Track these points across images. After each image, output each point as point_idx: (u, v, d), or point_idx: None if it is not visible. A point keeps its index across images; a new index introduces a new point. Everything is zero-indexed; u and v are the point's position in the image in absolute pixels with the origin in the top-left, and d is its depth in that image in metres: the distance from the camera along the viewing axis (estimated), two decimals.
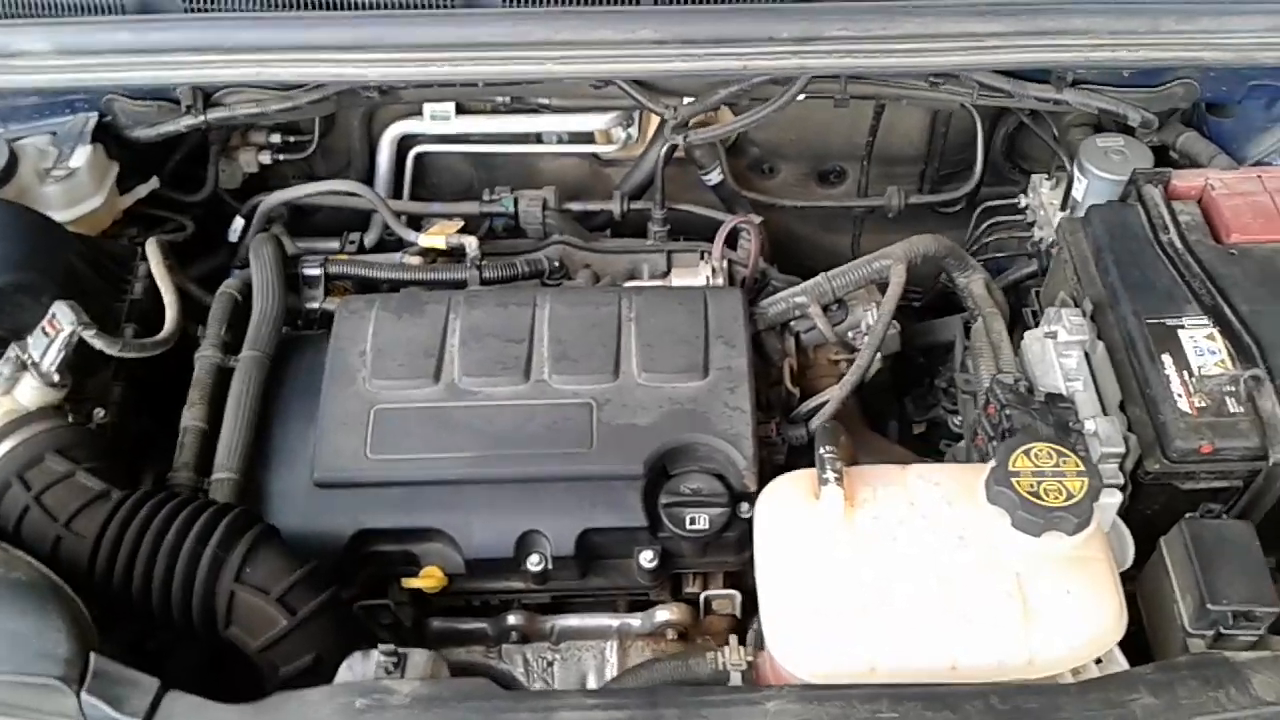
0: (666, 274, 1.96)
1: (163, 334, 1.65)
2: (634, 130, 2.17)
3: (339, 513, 1.57)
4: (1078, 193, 1.91)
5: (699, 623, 1.65)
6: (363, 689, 1.20)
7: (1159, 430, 1.45)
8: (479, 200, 2.11)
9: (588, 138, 2.18)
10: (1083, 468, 1.23)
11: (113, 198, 1.83)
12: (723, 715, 1.14)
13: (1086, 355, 1.59)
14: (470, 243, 1.91)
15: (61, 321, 1.47)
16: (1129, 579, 1.37)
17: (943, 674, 1.19)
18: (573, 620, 1.65)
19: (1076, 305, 1.65)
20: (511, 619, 1.62)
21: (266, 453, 1.65)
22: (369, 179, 2.20)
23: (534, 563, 1.56)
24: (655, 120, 2.14)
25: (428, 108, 2.10)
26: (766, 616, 1.24)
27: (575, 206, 2.11)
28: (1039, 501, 1.20)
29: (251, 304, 1.79)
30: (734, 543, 1.59)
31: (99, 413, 1.55)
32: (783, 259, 2.12)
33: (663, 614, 1.62)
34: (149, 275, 1.74)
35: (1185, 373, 1.48)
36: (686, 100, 1.92)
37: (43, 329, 1.47)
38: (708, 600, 1.62)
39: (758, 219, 1.96)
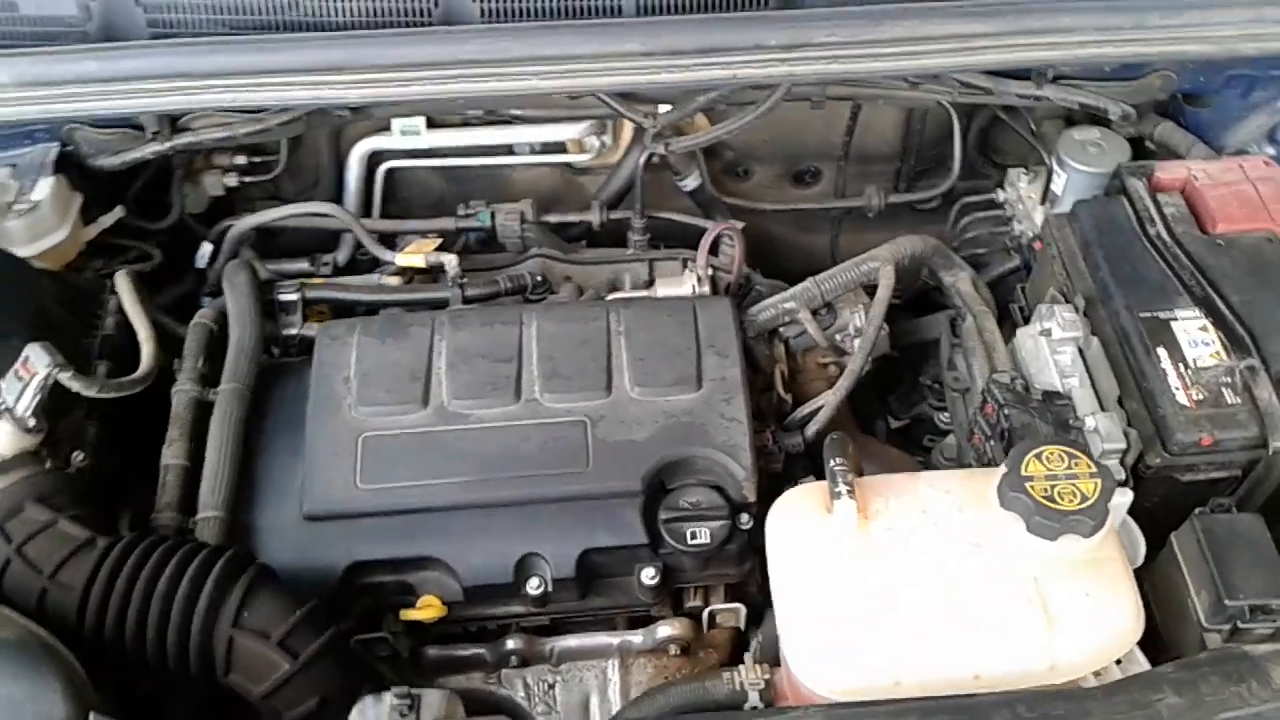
0: (649, 284, 1.93)
1: (140, 371, 1.59)
2: (607, 138, 2.14)
3: (331, 545, 1.53)
4: (1057, 186, 1.91)
5: (701, 636, 1.63)
6: None
7: (1158, 424, 1.45)
8: (454, 215, 2.07)
9: (560, 147, 2.15)
10: (1094, 469, 1.22)
11: (77, 230, 1.77)
12: None
13: (1080, 351, 1.58)
14: (450, 261, 1.87)
15: (36, 364, 1.41)
16: (1137, 575, 1.37)
17: (966, 684, 1.17)
18: (572, 641, 1.63)
19: (1067, 301, 1.65)
20: (510, 643, 1.59)
21: (252, 487, 1.59)
22: (337, 197, 2.15)
23: (534, 586, 1.52)
24: (627, 127, 2.11)
25: (396, 123, 2.06)
26: (786, 635, 1.22)
27: (553, 218, 2.07)
28: (1054, 505, 1.19)
29: (227, 334, 1.74)
30: (735, 555, 1.57)
31: (77, 456, 1.49)
32: (760, 262, 2.09)
33: (664, 629, 1.60)
34: (119, 309, 1.68)
35: (1181, 365, 1.48)
36: (663, 108, 1.89)
37: (15, 373, 1.42)
38: (712, 614, 1.60)
39: (739, 225, 1.94)
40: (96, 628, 1.29)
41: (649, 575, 1.53)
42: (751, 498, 1.56)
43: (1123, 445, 1.46)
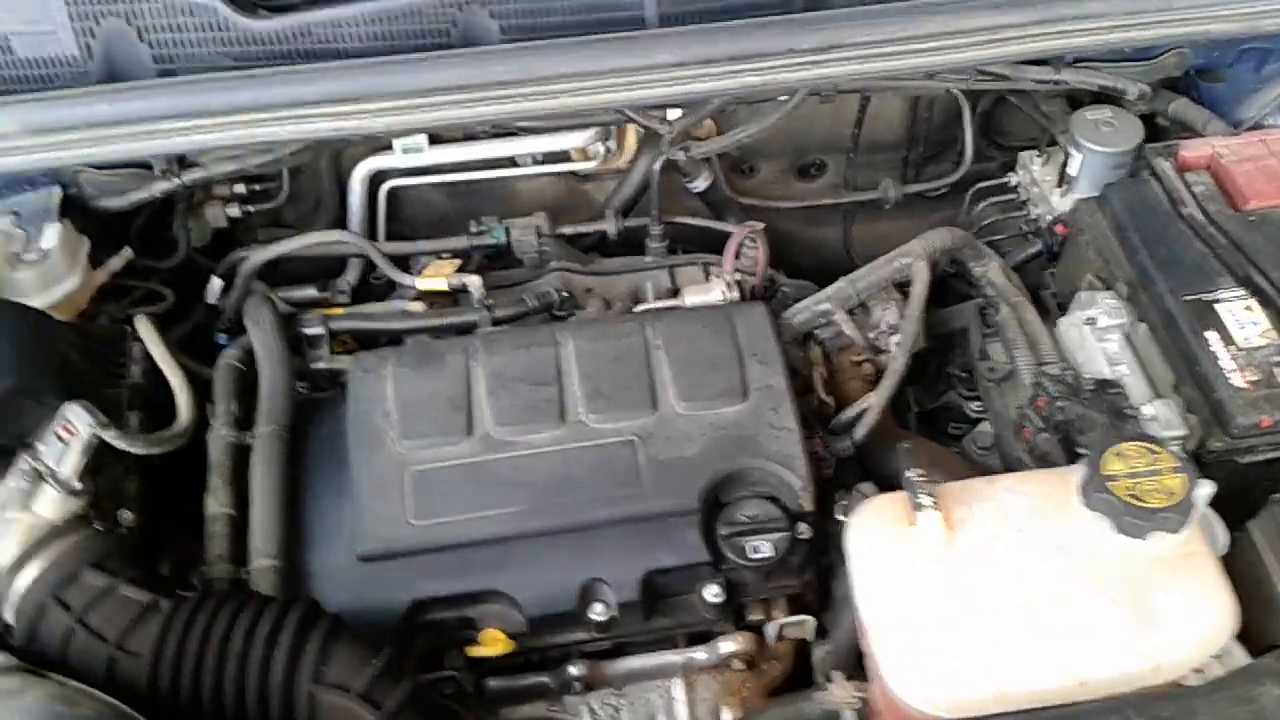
0: (673, 291, 1.91)
1: (181, 424, 1.54)
2: (612, 144, 2.11)
3: (389, 586, 1.50)
4: (1072, 168, 1.90)
5: (764, 649, 1.62)
6: None
7: (1215, 408, 1.46)
8: (463, 233, 2.03)
9: (564, 156, 2.11)
10: (1177, 463, 1.22)
11: (87, 275, 1.70)
12: None
13: (1127, 338, 1.59)
14: (474, 282, 1.83)
15: (77, 424, 1.36)
16: None
17: (1071, 692, 1.17)
18: (635, 662, 1.60)
19: (1106, 287, 1.65)
20: (573, 669, 1.56)
21: (300, 531, 1.56)
22: (340, 219, 2.10)
23: (598, 612, 1.50)
24: (632, 131, 2.08)
25: (398, 141, 2.01)
26: (884, 655, 1.21)
27: (568, 230, 2.04)
28: (1142, 504, 1.19)
29: (254, 372, 1.69)
30: (796, 566, 1.56)
31: (125, 515, 1.44)
32: (774, 259, 2.08)
33: (727, 644, 1.59)
34: (144, 356, 1.62)
35: (1232, 347, 1.48)
36: (673, 113, 1.86)
37: (56, 434, 1.36)
38: (781, 627, 1.59)
39: (760, 226, 1.92)
40: (171, 695, 1.25)
41: (713, 593, 1.52)
42: (809, 507, 1.55)
43: (1183, 431, 1.46)
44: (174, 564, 1.54)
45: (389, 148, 2.03)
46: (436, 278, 1.86)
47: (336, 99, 1.44)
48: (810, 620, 1.58)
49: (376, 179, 2.09)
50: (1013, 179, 2.07)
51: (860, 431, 1.67)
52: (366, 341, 1.82)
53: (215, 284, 1.92)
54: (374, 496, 1.53)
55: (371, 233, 2.10)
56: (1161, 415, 1.47)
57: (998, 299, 1.79)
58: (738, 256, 1.90)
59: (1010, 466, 1.73)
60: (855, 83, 1.82)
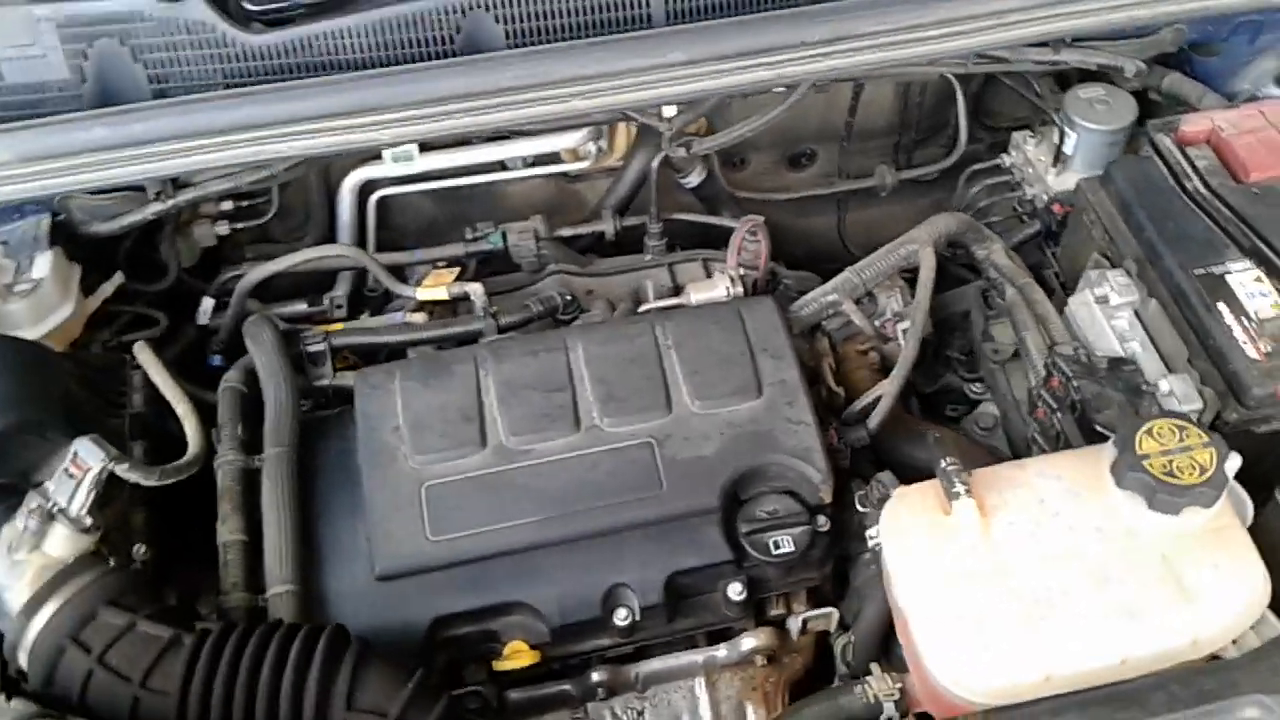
0: (676, 289, 1.89)
1: (191, 454, 1.50)
2: (603, 143, 2.09)
3: (410, 604, 1.47)
4: (1068, 147, 1.90)
5: (786, 643, 1.61)
6: None
7: (1230, 380, 1.46)
8: (455, 240, 2.00)
9: (554, 158, 2.09)
10: (1207, 439, 1.22)
11: (80, 303, 1.67)
12: None
13: (1137, 314, 1.59)
14: (476, 289, 1.81)
15: (87, 459, 1.32)
16: None
17: (1114, 671, 1.17)
18: (656, 664, 1.59)
19: (1114, 265, 1.65)
20: (595, 675, 1.55)
21: (315, 554, 1.52)
22: (329, 232, 2.07)
23: (622, 617, 1.48)
24: (622, 129, 2.06)
25: (388, 151, 1.98)
26: (926, 644, 1.20)
27: (566, 232, 2.01)
28: (1175, 481, 1.19)
29: (256, 394, 1.66)
30: (817, 559, 1.55)
31: (139, 549, 1.40)
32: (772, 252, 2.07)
33: (749, 641, 1.57)
34: (145, 384, 1.59)
35: (1244, 319, 1.49)
36: (668, 110, 1.84)
37: (66, 470, 1.32)
38: (804, 621, 1.58)
39: (760, 219, 1.90)
40: None
41: (736, 591, 1.51)
42: (828, 499, 1.54)
43: (1199, 405, 1.46)
44: (181, 594, 1.50)
45: (378, 157, 2.00)
46: (437, 287, 1.83)
47: (342, 113, 1.41)
48: (834, 613, 1.57)
49: (366, 189, 2.06)
50: (1005, 160, 2.07)
51: (874, 421, 1.66)
52: (368, 356, 1.79)
53: (207, 304, 1.89)
54: (390, 514, 1.50)
55: (361, 243, 2.07)
56: (1178, 390, 1.47)
57: (1001, 281, 1.78)
58: (740, 251, 1.89)
59: (1017, 447, 1.73)
60: (858, 71, 1.80)
